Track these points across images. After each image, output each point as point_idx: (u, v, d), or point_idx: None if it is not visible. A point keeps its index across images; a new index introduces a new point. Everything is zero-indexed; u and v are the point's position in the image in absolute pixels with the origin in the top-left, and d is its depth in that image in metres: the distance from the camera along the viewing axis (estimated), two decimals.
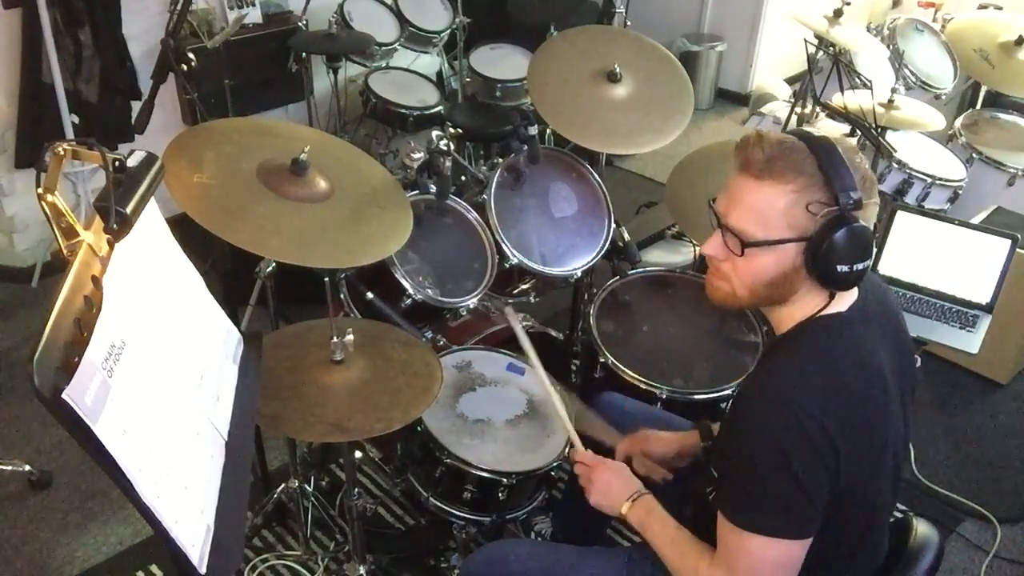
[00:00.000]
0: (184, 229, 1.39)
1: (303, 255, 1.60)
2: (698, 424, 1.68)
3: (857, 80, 3.00)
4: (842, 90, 2.91)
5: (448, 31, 3.76)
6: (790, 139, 1.23)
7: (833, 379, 1.22)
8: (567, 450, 1.82)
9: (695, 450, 1.66)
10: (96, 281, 0.99)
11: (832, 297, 1.26)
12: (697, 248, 2.93)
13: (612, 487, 1.53)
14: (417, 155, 2.13)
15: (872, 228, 1.23)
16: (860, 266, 1.21)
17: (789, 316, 1.30)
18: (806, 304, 1.28)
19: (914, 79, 3.69)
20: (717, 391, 2.04)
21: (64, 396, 0.85)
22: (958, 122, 3.60)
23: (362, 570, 1.94)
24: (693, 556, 1.36)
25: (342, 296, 2.06)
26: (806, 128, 1.30)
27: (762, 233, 1.23)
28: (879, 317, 1.32)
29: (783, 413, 1.20)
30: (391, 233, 1.76)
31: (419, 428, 1.85)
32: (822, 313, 1.26)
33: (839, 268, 1.20)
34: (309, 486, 2.27)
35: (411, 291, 2.01)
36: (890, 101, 3.09)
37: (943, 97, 3.75)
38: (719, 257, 1.29)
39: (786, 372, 1.25)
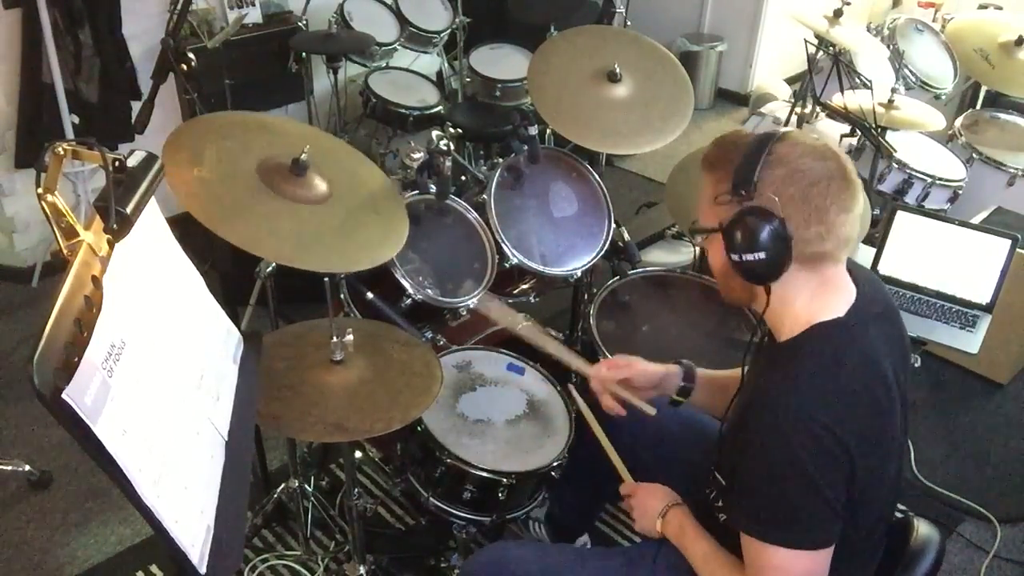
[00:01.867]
0: (184, 229, 1.39)
1: (298, 257, 1.60)
2: (680, 363, 1.68)
3: (857, 80, 3.01)
4: (842, 90, 2.91)
5: (448, 31, 3.76)
6: (741, 137, 1.27)
7: (839, 386, 1.22)
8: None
9: (673, 387, 1.66)
10: (96, 281, 0.99)
11: (768, 292, 1.27)
12: (697, 248, 2.93)
13: (647, 507, 1.53)
14: (417, 155, 2.13)
15: (778, 221, 1.19)
16: (749, 257, 1.22)
17: (779, 321, 1.31)
18: (789, 305, 1.28)
19: (914, 79, 3.69)
20: None
21: (64, 396, 0.85)
22: (958, 122, 3.60)
23: (362, 570, 1.94)
24: (723, 572, 1.36)
25: (342, 296, 2.06)
26: (805, 128, 1.31)
27: (702, 222, 1.32)
28: (879, 318, 1.32)
29: (796, 426, 1.20)
30: (386, 239, 1.75)
31: (419, 428, 1.85)
32: (820, 320, 1.26)
33: (732, 256, 1.24)
34: (309, 486, 2.27)
35: (411, 291, 2.01)
36: (890, 101, 3.09)
37: (943, 97, 3.75)
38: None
39: (792, 383, 1.24)
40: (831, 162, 1.22)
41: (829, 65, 3.11)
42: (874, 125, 2.85)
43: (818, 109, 3.38)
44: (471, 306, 2.11)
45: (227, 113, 1.84)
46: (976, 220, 2.79)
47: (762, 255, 1.21)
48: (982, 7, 4.34)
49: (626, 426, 1.70)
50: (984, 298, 2.44)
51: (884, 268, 2.51)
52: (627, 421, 1.68)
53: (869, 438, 1.22)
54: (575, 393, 1.82)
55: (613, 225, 2.31)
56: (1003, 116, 3.73)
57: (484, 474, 1.79)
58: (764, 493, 1.24)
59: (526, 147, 2.23)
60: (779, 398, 1.24)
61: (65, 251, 1.02)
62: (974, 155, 3.40)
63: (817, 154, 1.22)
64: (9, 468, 2.42)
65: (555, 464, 1.85)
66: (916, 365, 2.44)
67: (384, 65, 3.67)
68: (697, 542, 1.42)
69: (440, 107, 3.51)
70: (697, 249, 2.94)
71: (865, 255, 2.58)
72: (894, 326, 1.36)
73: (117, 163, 1.06)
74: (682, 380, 1.66)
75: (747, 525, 1.27)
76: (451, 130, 2.36)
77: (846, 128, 3.00)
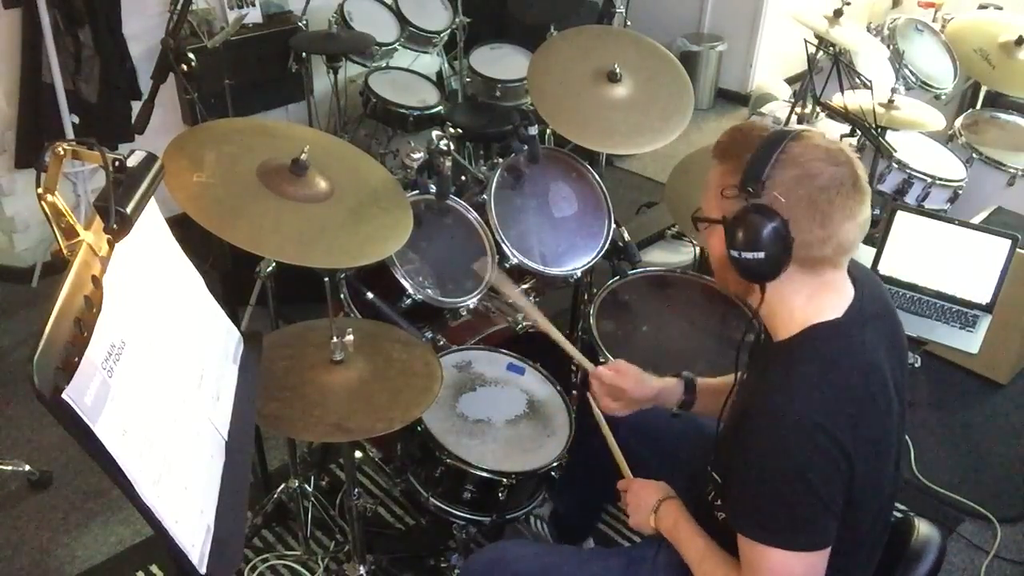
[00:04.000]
0: (184, 229, 1.39)
1: (302, 255, 1.60)
2: (682, 375, 1.67)
3: (857, 80, 3.00)
4: (842, 90, 2.91)
5: (448, 31, 3.75)
6: (756, 130, 1.25)
7: (837, 387, 1.22)
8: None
9: (674, 400, 1.66)
10: (96, 281, 0.99)
11: (764, 291, 1.26)
12: (697, 248, 2.94)
13: (641, 501, 1.53)
14: (417, 155, 2.13)
15: (781, 222, 1.18)
16: (749, 256, 1.21)
17: (776, 320, 1.30)
18: (786, 304, 1.27)
19: (914, 79, 3.68)
20: None
21: (64, 396, 0.85)
22: (958, 122, 3.60)
23: (362, 570, 1.94)
24: (719, 572, 1.35)
25: (342, 296, 2.07)
26: (805, 127, 1.30)
27: (705, 210, 1.30)
28: (877, 318, 1.31)
29: (794, 428, 1.19)
30: (391, 233, 1.76)
31: (419, 428, 1.85)
32: (816, 321, 1.26)
33: (731, 252, 1.23)
34: (309, 486, 2.27)
35: (411, 291, 2.01)
36: (890, 101, 3.09)
37: (943, 97, 3.75)
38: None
39: (789, 385, 1.24)
40: (843, 167, 1.21)
41: (829, 65, 3.11)
42: (874, 125, 2.85)
43: (818, 109, 3.37)
44: (471, 306, 2.11)
45: (226, 120, 1.85)
46: (976, 220, 2.79)
47: (761, 255, 1.20)
48: (982, 7, 4.33)
49: (625, 425, 1.70)
50: (984, 298, 2.44)
51: (884, 268, 2.51)
52: (626, 420, 1.68)
53: (867, 439, 1.22)
54: (592, 400, 1.79)
55: (613, 225, 2.31)
56: (1003, 116, 3.73)
57: (484, 474, 1.79)
58: (762, 495, 1.24)
59: (526, 147, 2.23)
60: (776, 401, 1.23)
61: (65, 251, 1.02)
62: (974, 155, 3.40)
63: (831, 158, 1.21)
64: (9, 468, 2.42)
65: (555, 464, 1.85)
66: (916, 365, 2.44)
67: (384, 65, 3.67)
68: (692, 539, 1.42)
69: (440, 107, 3.51)
70: (697, 249, 2.95)
71: (865, 255, 2.58)
72: (892, 326, 1.36)
73: (117, 163, 1.06)
74: (683, 394, 1.66)
75: (744, 527, 1.26)
76: (451, 130, 2.36)
77: (846, 128, 2.99)
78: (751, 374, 1.41)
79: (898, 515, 1.49)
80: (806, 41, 3.23)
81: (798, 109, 3.56)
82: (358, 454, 2.17)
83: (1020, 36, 3.48)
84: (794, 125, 3.37)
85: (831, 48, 3.22)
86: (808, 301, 1.26)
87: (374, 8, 3.66)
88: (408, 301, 2.02)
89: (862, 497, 1.26)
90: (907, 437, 2.59)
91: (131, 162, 1.08)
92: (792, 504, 1.21)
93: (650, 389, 1.65)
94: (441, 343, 2.13)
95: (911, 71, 3.68)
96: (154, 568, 2.20)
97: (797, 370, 1.25)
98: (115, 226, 0.99)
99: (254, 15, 3.50)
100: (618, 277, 2.35)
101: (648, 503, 1.51)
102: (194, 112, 1.95)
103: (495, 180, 2.21)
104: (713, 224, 1.28)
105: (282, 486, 2.26)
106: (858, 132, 2.95)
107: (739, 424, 1.30)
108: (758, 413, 1.25)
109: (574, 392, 2.16)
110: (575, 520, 2.07)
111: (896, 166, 3.16)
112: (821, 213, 1.20)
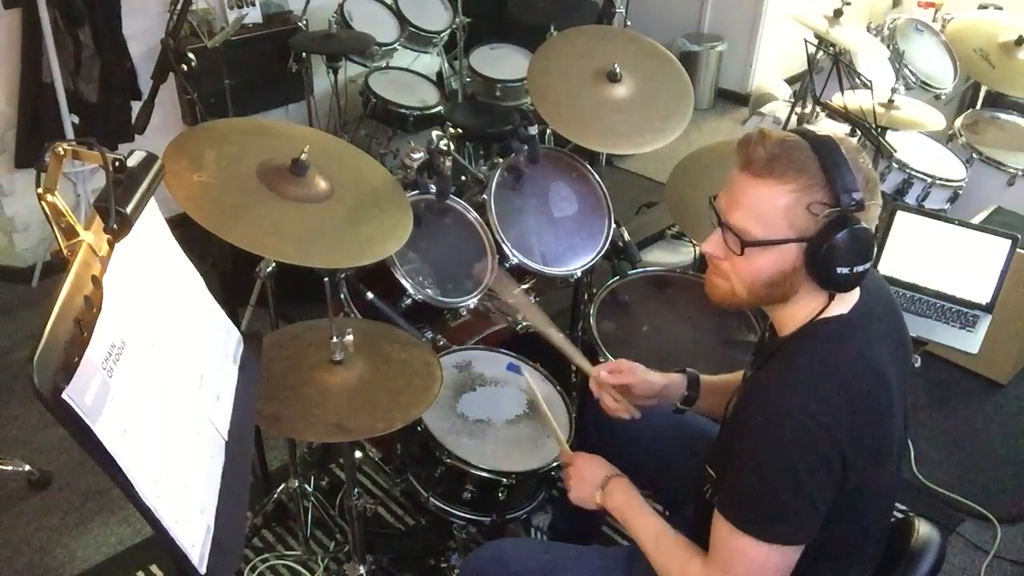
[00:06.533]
0: (184, 229, 1.39)
1: (302, 255, 1.60)
2: (684, 371, 1.67)
3: (857, 80, 3.00)
4: (842, 90, 2.91)
5: (448, 31, 3.76)
6: (793, 137, 1.22)
7: (838, 383, 1.22)
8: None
9: (677, 396, 1.66)
10: (96, 281, 0.99)
11: (832, 298, 1.25)
12: (697, 248, 2.93)
13: (585, 478, 1.52)
14: (417, 155, 2.13)
15: (874, 229, 1.22)
16: (860, 268, 1.20)
17: (791, 317, 1.30)
18: (807, 305, 1.27)
19: (914, 79, 3.69)
20: None
21: (64, 396, 0.85)
22: (958, 122, 3.60)
23: (362, 570, 1.94)
24: (682, 555, 1.35)
25: (342, 296, 2.07)
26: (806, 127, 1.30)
27: (762, 232, 1.21)
28: (882, 317, 1.32)
29: (789, 420, 1.19)
30: (391, 233, 1.76)
31: (419, 428, 1.85)
32: (825, 316, 1.26)
33: (839, 270, 1.19)
34: (309, 486, 2.27)
35: (411, 291, 2.01)
36: (890, 101, 3.10)
37: (943, 97, 3.75)
38: (719, 256, 1.28)
39: (791, 377, 1.24)
40: (869, 164, 1.23)
41: (829, 65, 3.11)
42: (874, 125, 2.85)
43: (818, 109, 3.38)
44: (471, 306, 2.11)
45: (226, 120, 1.85)
46: (976, 220, 2.79)
47: (869, 264, 1.21)
48: (982, 7, 4.34)
49: (622, 430, 1.70)
50: (984, 298, 2.44)
51: (884, 268, 2.51)
52: (622, 425, 1.67)
53: (865, 438, 1.22)
54: (525, 372, 1.87)
55: (613, 225, 2.31)
56: (1003, 116, 3.73)
57: (484, 474, 1.79)
58: (750, 483, 1.24)
59: (526, 147, 2.23)
60: (776, 392, 1.23)
61: (65, 251, 1.02)
62: (974, 155, 3.40)
63: (863, 157, 1.23)
64: (9, 468, 2.42)
65: (555, 464, 1.85)
66: (916, 365, 2.44)
67: (384, 65, 3.67)
68: (647, 519, 1.42)
69: (440, 107, 3.51)
70: (697, 249, 2.95)
71: None
72: (896, 325, 1.36)
73: (117, 163, 1.06)
74: (686, 389, 1.65)
75: (725, 509, 1.26)
76: (451, 130, 2.36)
77: (846, 128, 3.00)
78: (755, 368, 1.42)
79: (898, 515, 1.49)
80: (806, 41, 3.24)
81: (798, 109, 3.56)
82: (358, 454, 2.17)
83: (1020, 36, 3.48)
84: (792, 126, 3.38)
85: (831, 48, 3.22)
86: (822, 301, 1.26)
87: (374, 8, 3.67)
88: (408, 301, 2.02)
89: (860, 497, 1.26)
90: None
91: (131, 162, 1.08)
92: (778, 496, 1.21)
93: (654, 385, 1.65)
94: (441, 343, 2.13)
95: (911, 71, 3.69)
96: (154, 568, 2.20)
97: (799, 363, 1.25)
98: (115, 226, 0.99)
99: (254, 15, 3.50)
100: (618, 277, 2.35)
101: (594, 478, 1.51)
102: (194, 112, 1.95)
103: (495, 180, 2.21)
104: (774, 245, 1.21)
105: (282, 486, 2.26)
106: (858, 132, 2.95)
107: (738, 415, 1.30)
108: (757, 402, 1.26)
109: (574, 393, 2.16)
110: (575, 530, 2.06)
111: (896, 166, 3.16)
112: (875, 212, 1.23)
